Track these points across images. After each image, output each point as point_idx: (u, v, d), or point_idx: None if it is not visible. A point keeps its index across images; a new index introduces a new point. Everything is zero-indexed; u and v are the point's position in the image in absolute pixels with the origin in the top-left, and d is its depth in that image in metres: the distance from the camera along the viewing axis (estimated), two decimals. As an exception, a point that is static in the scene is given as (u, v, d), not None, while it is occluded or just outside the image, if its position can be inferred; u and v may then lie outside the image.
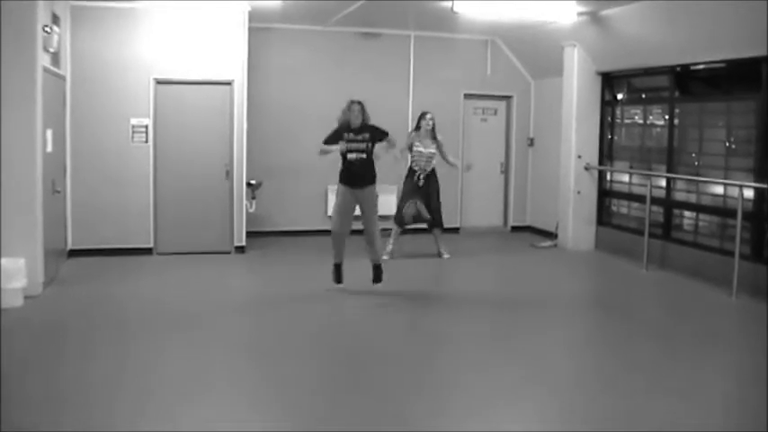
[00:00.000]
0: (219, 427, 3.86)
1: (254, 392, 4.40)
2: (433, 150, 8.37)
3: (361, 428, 3.86)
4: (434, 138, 8.38)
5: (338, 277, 6.83)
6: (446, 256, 8.35)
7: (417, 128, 8.45)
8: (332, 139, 6.60)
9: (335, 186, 10.05)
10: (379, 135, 6.62)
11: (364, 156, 6.52)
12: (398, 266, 8.08)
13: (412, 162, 8.47)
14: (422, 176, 8.37)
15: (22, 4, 6.31)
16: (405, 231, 8.70)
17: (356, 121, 6.52)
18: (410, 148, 8.41)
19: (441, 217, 8.51)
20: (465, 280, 7.65)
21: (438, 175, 8.56)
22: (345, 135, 6.55)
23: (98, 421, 3.87)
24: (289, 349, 5.23)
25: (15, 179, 6.34)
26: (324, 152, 6.64)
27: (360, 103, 6.60)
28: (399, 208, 8.56)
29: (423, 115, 8.44)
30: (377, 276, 6.85)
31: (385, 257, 8.01)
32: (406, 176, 8.52)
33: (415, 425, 3.95)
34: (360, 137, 6.54)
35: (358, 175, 6.56)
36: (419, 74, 10.36)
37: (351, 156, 6.51)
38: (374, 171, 6.66)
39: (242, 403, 4.18)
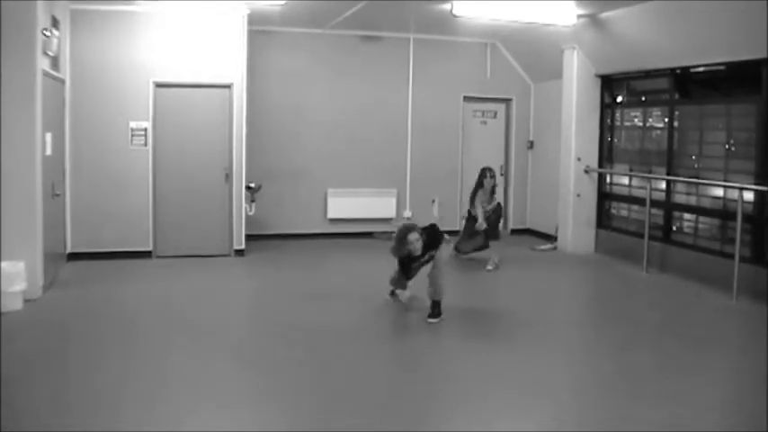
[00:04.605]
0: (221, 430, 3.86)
1: (256, 396, 4.39)
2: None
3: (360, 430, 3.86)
4: (492, 194, 8.45)
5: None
6: (489, 267, 8.36)
7: (481, 184, 8.40)
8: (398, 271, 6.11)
9: (335, 189, 10.13)
10: (436, 241, 6.04)
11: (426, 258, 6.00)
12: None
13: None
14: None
15: (22, 7, 6.31)
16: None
17: (417, 252, 5.86)
18: (474, 204, 8.42)
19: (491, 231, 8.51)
20: (464, 283, 7.63)
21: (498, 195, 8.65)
22: (411, 264, 5.98)
23: (101, 424, 3.86)
24: (289, 353, 5.21)
25: (15, 182, 6.34)
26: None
27: (413, 228, 5.89)
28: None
29: (484, 172, 8.42)
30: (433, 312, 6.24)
31: (489, 267, 8.24)
32: (468, 219, 8.67)
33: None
34: (424, 257, 5.97)
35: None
36: (419, 77, 10.36)
37: (414, 264, 6.03)
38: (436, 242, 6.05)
39: (243, 407, 4.17)
